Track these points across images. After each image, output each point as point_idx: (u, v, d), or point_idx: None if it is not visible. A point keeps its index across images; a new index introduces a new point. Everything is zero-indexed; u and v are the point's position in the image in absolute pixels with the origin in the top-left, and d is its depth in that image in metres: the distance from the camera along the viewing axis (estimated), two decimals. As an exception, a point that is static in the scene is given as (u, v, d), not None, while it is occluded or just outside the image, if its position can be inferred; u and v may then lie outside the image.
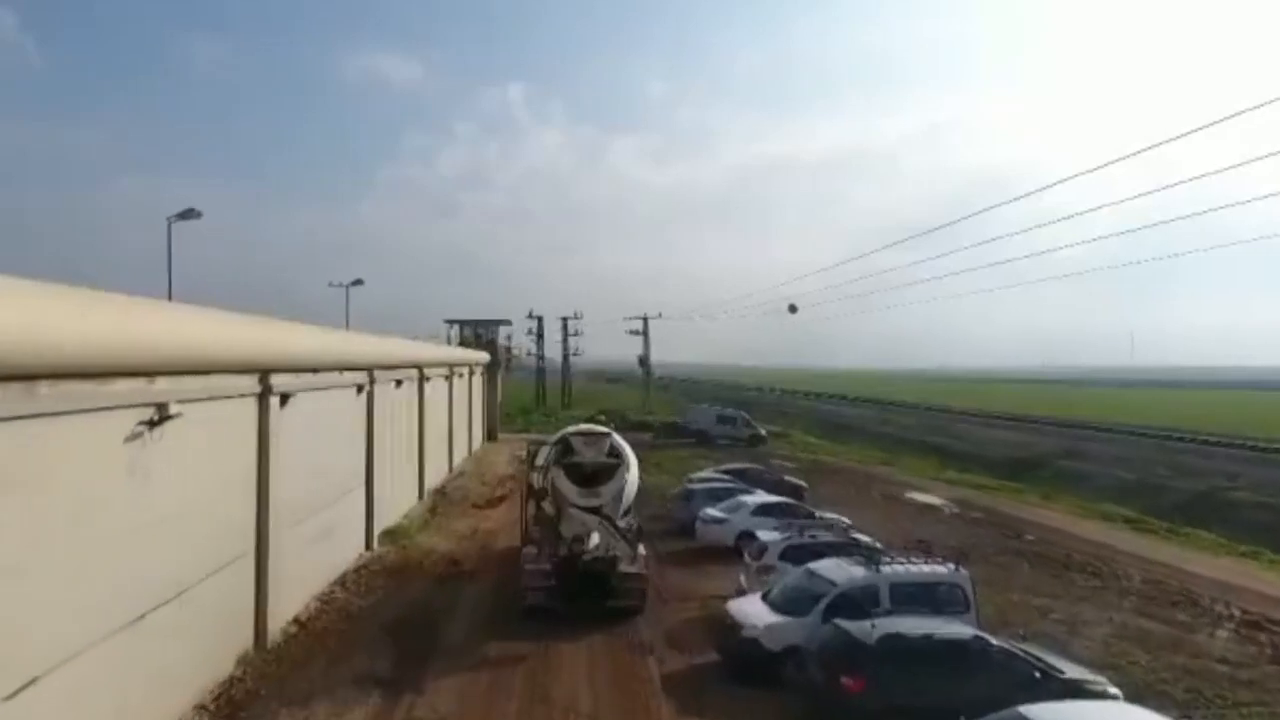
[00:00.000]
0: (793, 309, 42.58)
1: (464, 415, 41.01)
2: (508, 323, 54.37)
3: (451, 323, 52.98)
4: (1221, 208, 23.83)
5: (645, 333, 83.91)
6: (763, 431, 52.75)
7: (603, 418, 63.83)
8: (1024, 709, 8.74)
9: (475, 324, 53.46)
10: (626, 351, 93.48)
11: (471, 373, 43.28)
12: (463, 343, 52.59)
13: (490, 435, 51.01)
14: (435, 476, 31.44)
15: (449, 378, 35.22)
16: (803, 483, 30.15)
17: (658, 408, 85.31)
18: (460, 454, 39.16)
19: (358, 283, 47.24)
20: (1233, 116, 18.59)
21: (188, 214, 25.73)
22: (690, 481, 27.72)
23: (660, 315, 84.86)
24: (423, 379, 28.18)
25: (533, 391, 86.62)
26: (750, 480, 28.67)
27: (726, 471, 29.46)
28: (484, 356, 49.42)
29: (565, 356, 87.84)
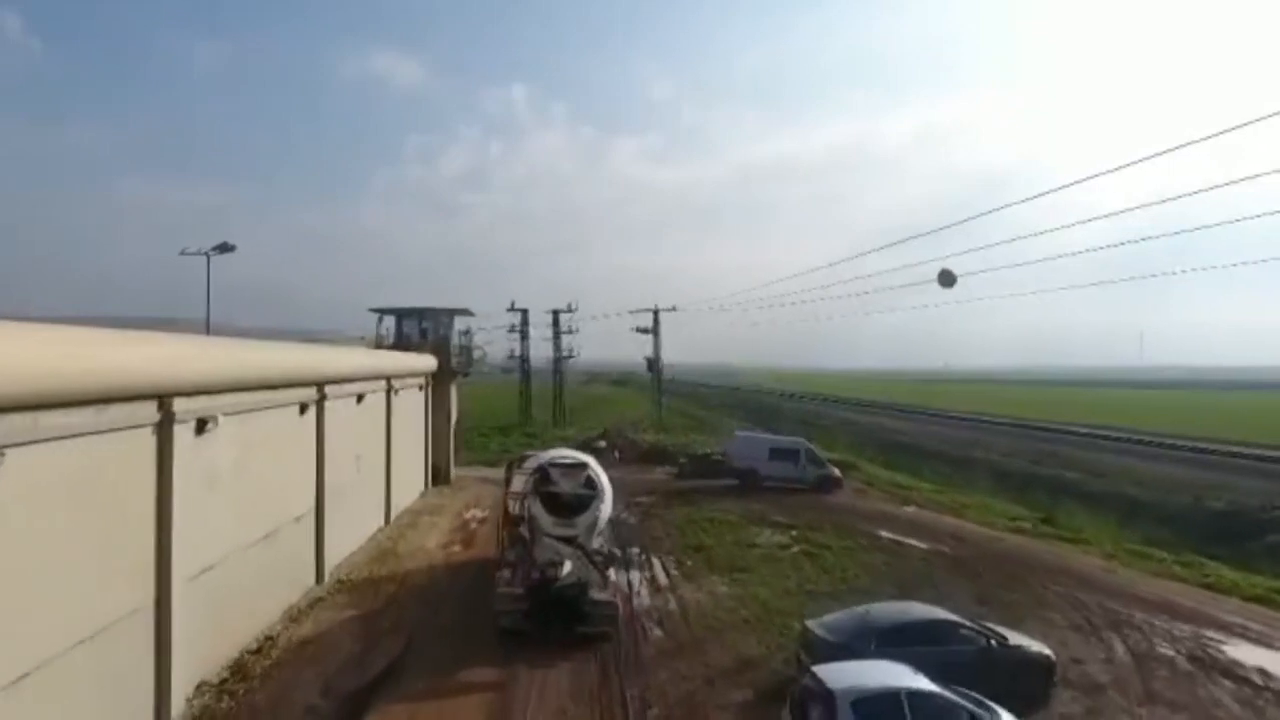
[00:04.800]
0: (947, 279, 26.13)
1: (374, 465, 24.54)
2: (466, 312, 37.66)
3: (381, 312, 36.26)
4: (1231, 221, 21.81)
5: (655, 330, 67.68)
6: (835, 471, 36.20)
7: (603, 444, 47.67)
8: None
9: (419, 314, 36.77)
10: (628, 351, 77.94)
11: (393, 390, 26.77)
12: (399, 343, 36.06)
13: (437, 476, 34.48)
14: (259, 620, 15.00)
15: (317, 403, 18.76)
16: (1049, 653, 13.72)
17: (672, 421, 68.88)
18: (360, 532, 22.73)
19: (225, 249, 30.90)
20: (1246, 125, 18.26)
21: None
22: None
23: (674, 308, 68.71)
24: (167, 427, 11.68)
25: (513, 401, 70.16)
26: (939, 641, 12.54)
27: (886, 632, 12.91)
28: (425, 363, 32.96)
29: (557, 359, 71.37)
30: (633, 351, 72.81)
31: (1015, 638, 13.66)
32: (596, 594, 15.71)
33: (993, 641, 13.17)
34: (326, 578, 18.98)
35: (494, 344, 67.18)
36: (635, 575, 20.85)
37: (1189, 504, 36.44)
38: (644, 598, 18.96)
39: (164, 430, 11.60)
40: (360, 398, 22.76)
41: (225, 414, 13.57)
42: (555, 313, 70.31)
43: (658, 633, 16.55)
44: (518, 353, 69.55)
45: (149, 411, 11.30)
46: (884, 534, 26.46)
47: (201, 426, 12.75)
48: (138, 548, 11.09)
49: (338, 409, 20.14)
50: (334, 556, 19.72)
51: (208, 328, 29.67)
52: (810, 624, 13.74)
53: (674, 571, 21.47)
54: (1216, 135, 19.37)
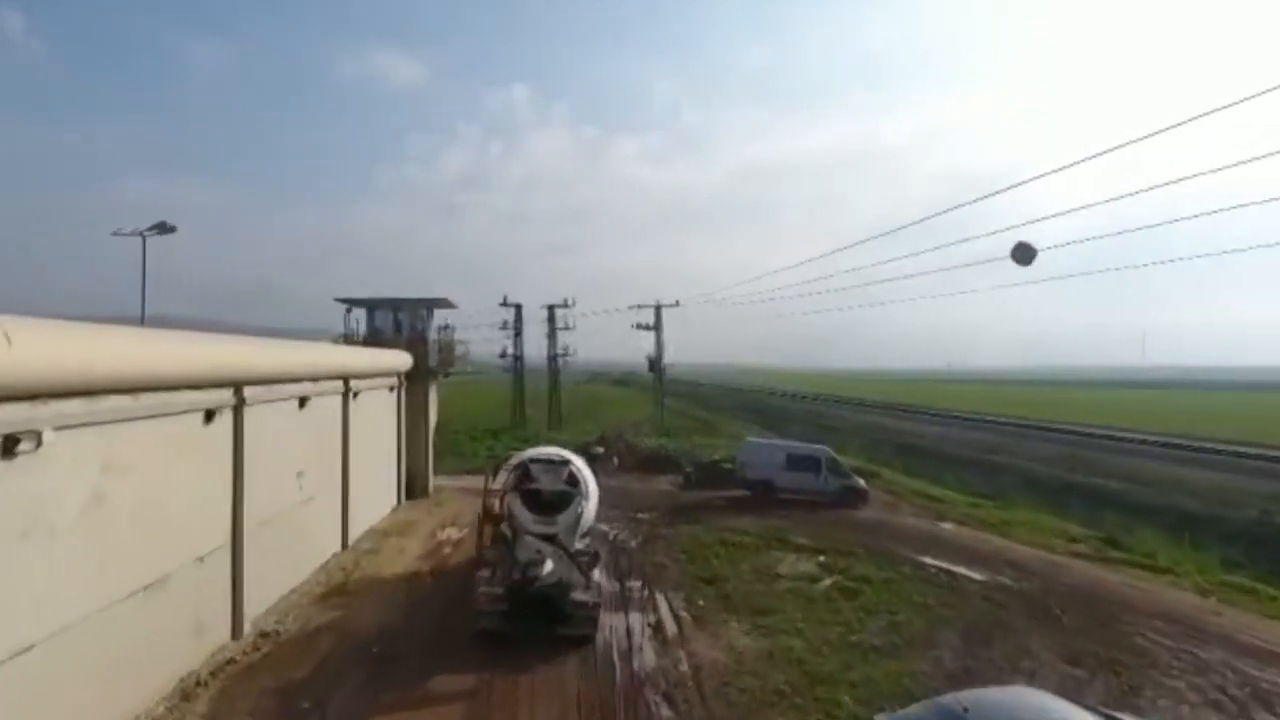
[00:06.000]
0: (1026, 254, 22.16)
1: (326, 481, 20.56)
2: (446, 303, 33.70)
3: (349, 303, 32.26)
4: (1221, 210, 20.63)
5: (658, 326, 63.79)
6: (861, 483, 32.34)
7: (601, 450, 43.79)
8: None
9: (394, 305, 32.85)
10: (629, 351, 74.57)
11: (351, 392, 22.84)
12: (371, 338, 32.13)
13: (412, 488, 30.57)
14: (130, 704, 11.08)
15: (234, 409, 14.82)
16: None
17: (675, 423, 65.00)
18: (303, 565, 18.81)
19: (164, 229, 26.98)
20: (1221, 110, 17.01)
21: None
22: None
23: (677, 303, 64.88)
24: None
25: (505, 402, 66.30)
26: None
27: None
28: (397, 360, 29.05)
29: (552, 357, 67.56)
30: (634, 351, 69.49)
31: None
32: (579, 595, 15.46)
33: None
34: (246, 630, 15.03)
35: (491, 342, 63.59)
36: (636, 620, 16.99)
37: (1255, 519, 32.58)
38: (647, 654, 15.07)
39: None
40: (303, 401, 18.81)
41: (63, 426, 9.67)
42: (550, 308, 66.55)
43: (666, 712, 12.63)
44: (510, 351, 65.71)
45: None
46: (928, 560, 22.57)
47: (11, 446, 8.84)
48: None
49: (267, 415, 16.18)
50: (259, 601, 15.77)
51: (142, 319, 25.77)
52: (883, 722, 9.81)
53: (683, 614, 17.55)
54: (1154, 134, 19.16)
